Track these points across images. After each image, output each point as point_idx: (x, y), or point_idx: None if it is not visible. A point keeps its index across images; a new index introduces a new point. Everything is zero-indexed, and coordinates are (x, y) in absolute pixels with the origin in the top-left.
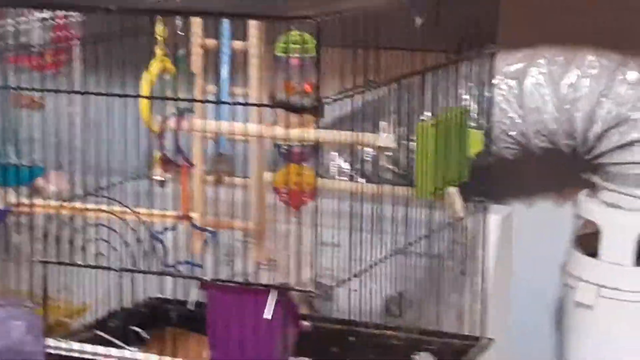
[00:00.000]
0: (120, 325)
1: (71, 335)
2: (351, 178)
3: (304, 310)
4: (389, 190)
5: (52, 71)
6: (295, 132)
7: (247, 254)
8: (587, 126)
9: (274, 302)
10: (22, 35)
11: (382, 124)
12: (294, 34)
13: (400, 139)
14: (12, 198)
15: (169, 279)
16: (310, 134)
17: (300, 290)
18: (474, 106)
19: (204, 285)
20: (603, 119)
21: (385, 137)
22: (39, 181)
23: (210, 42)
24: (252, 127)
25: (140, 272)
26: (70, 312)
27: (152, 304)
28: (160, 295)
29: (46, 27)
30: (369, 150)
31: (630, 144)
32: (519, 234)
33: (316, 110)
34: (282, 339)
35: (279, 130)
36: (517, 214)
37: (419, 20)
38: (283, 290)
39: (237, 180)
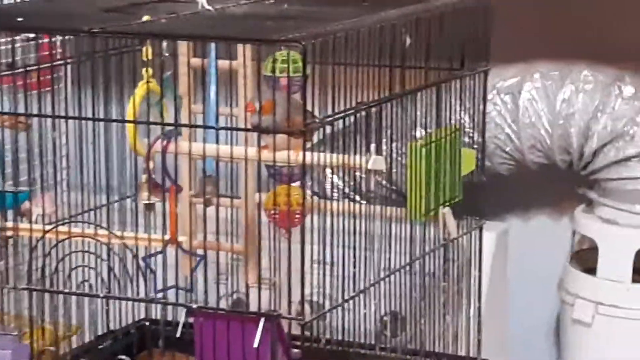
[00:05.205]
0: (107, 350)
1: None
2: (346, 196)
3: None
4: (383, 209)
5: (38, 91)
6: (282, 155)
7: (237, 275)
8: (582, 141)
9: (261, 330)
10: (5, 56)
11: (372, 146)
12: (282, 53)
13: (394, 158)
14: None
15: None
16: (298, 156)
17: (290, 318)
18: (467, 124)
19: (192, 312)
20: (599, 135)
21: (375, 160)
22: (26, 204)
23: (197, 61)
24: (240, 150)
25: (126, 299)
26: (56, 338)
27: (140, 327)
28: (146, 321)
29: (31, 47)
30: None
31: (627, 159)
32: (515, 250)
33: (304, 134)
34: None
35: (267, 153)
36: (513, 230)
37: (408, 40)
38: (272, 318)
39: (226, 201)
